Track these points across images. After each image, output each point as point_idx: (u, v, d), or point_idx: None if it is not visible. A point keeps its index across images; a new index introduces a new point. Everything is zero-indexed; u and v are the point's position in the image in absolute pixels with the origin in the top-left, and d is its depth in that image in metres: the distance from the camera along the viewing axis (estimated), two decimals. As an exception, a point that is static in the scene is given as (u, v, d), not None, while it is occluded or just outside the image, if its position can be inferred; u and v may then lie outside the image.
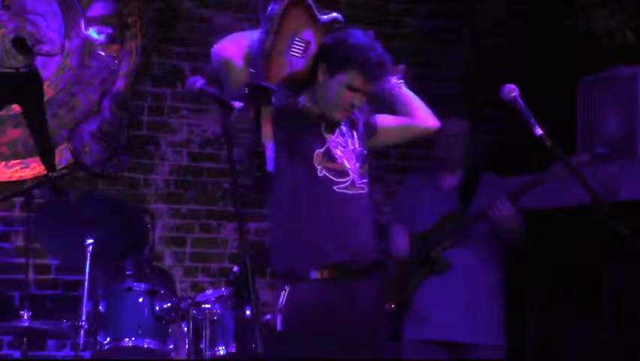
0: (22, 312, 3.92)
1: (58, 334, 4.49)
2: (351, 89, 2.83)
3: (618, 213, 2.66)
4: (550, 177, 3.82)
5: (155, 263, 4.78)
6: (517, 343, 4.84)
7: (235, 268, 3.92)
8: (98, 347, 3.95)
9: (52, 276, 4.89)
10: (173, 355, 3.93)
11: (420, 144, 5.46)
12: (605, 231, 2.68)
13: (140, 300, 3.96)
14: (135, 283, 4.03)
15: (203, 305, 3.84)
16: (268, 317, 3.42)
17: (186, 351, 3.85)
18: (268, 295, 5.15)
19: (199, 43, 5.20)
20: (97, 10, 5.05)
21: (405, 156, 5.56)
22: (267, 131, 2.75)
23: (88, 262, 3.92)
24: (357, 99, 2.86)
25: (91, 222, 3.94)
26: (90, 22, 5.04)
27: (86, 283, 3.89)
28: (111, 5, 5.06)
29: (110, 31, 5.06)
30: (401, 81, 3.13)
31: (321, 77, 2.85)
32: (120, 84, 5.06)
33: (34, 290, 4.80)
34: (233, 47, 2.80)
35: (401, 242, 4.13)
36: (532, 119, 2.77)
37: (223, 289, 3.95)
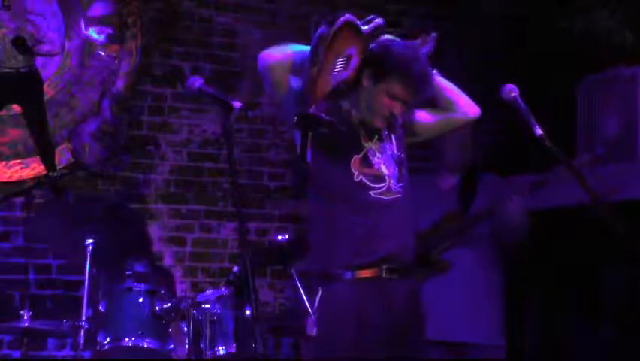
0: (22, 312, 3.92)
1: (58, 334, 4.50)
2: (392, 97, 2.87)
3: (618, 213, 2.66)
4: (553, 178, 3.82)
5: (155, 263, 4.78)
6: (517, 343, 4.84)
7: (235, 268, 3.92)
8: (98, 347, 3.95)
9: (52, 276, 4.89)
10: (173, 355, 3.93)
11: (420, 144, 5.47)
12: (605, 231, 2.68)
13: (140, 300, 3.96)
14: (135, 283, 4.03)
15: (203, 305, 3.84)
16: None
17: (186, 351, 3.85)
18: (268, 295, 5.16)
19: (199, 43, 5.20)
20: (97, 10, 5.05)
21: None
22: (310, 149, 2.77)
23: (88, 262, 3.92)
24: (397, 108, 2.89)
25: (91, 222, 3.94)
26: (90, 22, 5.04)
27: (86, 283, 3.89)
28: (111, 5, 5.06)
29: (110, 31, 5.06)
30: (435, 71, 3.09)
31: (365, 83, 2.89)
32: (120, 84, 5.06)
33: (34, 290, 4.80)
34: (279, 57, 2.83)
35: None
36: (532, 119, 2.77)
37: (223, 289, 3.94)
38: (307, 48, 2.77)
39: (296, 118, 2.67)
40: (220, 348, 3.82)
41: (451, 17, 5.70)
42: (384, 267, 2.85)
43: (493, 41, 5.58)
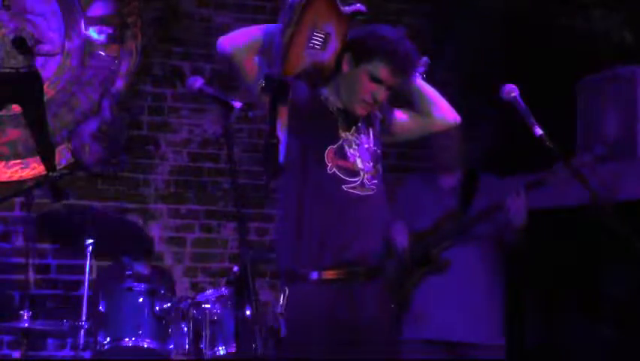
0: (22, 312, 3.92)
1: (58, 334, 4.50)
2: (375, 80, 2.77)
3: (618, 213, 2.66)
4: (553, 177, 3.82)
5: (155, 263, 4.78)
6: (517, 343, 4.84)
7: (235, 268, 3.92)
8: (98, 347, 3.95)
9: (52, 276, 4.89)
10: (173, 355, 3.94)
11: (420, 144, 5.48)
12: (605, 231, 2.68)
13: (140, 300, 3.96)
14: (135, 283, 4.03)
15: (203, 305, 3.84)
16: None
17: (186, 351, 3.85)
18: (268, 295, 5.16)
19: (199, 43, 5.20)
20: (97, 10, 5.05)
21: (405, 156, 5.57)
22: (284, 122, 2.66)
23: (88, 262, 3.92)
24: (380, 92, 2.79)
25: (90, 223, 3.94)
26: (90, 22, 5.04)
27: (86, 283, 3.89)
28: (111, 5, 5.07)
29: (110, 31, 5.07)
30: (419, 74, 3.03)
31: (345, 67, 2.78)
32: (120, 84, 5.07)
33: (34, 290, 4.80)
34: (241, 38, 2.68)
35: (402, 239, 4.13)
36: (532, 119, 2.77)
37: (223, 289, 3.95)
38: (276, 26, 2.66)
39: (263, 81, 2.55)
40: (220, 348, 3.83)
41: (451, 16, 5.70)
42: (350, 268, 2.75)
43: (492, 41, 5.58)
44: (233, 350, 3.81)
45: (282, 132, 2.64)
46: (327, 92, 2.85)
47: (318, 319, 2.70)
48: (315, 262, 2.73)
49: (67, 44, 5.00)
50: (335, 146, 2.78)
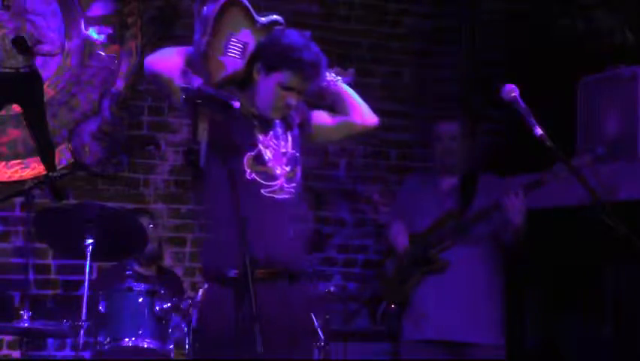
0: (22, 312, 3.92)
1: (58, 334, 4.49)
2: (286, 88, 2.85)
3: (618, 213, 2.66)
4: (553, 177, 3.82)
5: (161, 265, 4.77)
6: (517, 343, 4.84)
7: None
8: (98, 347, 3.95)
9: (52, 276, 4.89)
10: (173, 355, 3.94)
11: (420, 144, 5.49)
12: (605, 231, 2.68)
13: (140, 300, 3.96)
14: (135, 283, 4.03)
15: (203, 305, 3.84)
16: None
17: (186, 351, 3.85)
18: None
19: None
20: (97, 10, 5.05)
21: (405, 156, 5.57)
22: (204, 130, 2.73)
23: (88, 262, 3.92)
24: (293, 98, 2.87)
25: (90, 222, 3.94)
26: (90, 22, 5.04)
27: (86, 283, 3.89)
28: (111, 5, 5.07)
29: (110, 31, 5.07)
30: (338, 78, 3.10)
31: (256, 76, 2.88)
32: (120, 84, 5.07)
33: (34, 290, 4.80)
34: (164, 60, 2.83)
35: (402, 238, 4.14)
36: (532, 119, 2.77)
37: (223, 289, 3.94)
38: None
39: (184, 93, 2.63)
40: (220, 348, 3.82)
41: (451, 16, 5.70)
42: (268, 269, 2.83)
43: (493, 40, 5.59)
44: (233, 350, 3.80)
45: (202, 139, 2.71)
46: (240, 99, 2.91)
47: (229, 314, 2.78)
48: (232, 261, 2.78)
49: (67, 44, 5.00)
50: (253, 153, 2.88)
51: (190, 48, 2.83)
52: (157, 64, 2.82)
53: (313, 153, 5.36)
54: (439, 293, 4.05)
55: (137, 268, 4.51)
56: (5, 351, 4.80)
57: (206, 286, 2.88)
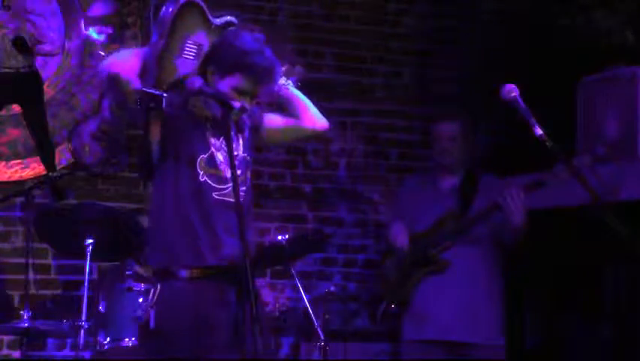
0: (22, 312, 3.92)
1: (58, 334, 4.50)
2: (240, 92, 2.87)
3: (618, 213, 2.66)
4: (553, 177, 3.82)
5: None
6: (517, 343, 4.84)
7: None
8: (97, 347, 3.95)
9: (52, 276, 4.89)
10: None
11: (420, 144, 5.49)
12: (605, 231, 2.68)
13: (140, 300, 3.96)
14: (135, 283, 4.03)
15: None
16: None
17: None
18: (268, 295, 5.16)
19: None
20: (97, 10, 5.05)
21: (405, 156, 5.57)
22: (156, 132, 2.84)
23: (88, 262, 3.92)
24: (246, 102, 2.89)
25: (90, 222, 3.95)
26: (90, 22, 5.04)
27: (86, 283, 3.89)
28: (111, 5, 5.07)
29: (110, 31, 5.06)
30: (289, 82, 3.13)
31: (210, 79, 2.89)
32: (120, 84, 5.06)
33: (34, 290, 4.80)
34: (122, 63, 2.81)
35: (402, 238, 4.14)
36: (532, 119, 2.77)
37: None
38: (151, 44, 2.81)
39: (138, 98, 2.69)
40: (220, 348, 3.82)
41: (451, 16, 5.70)
42: (216, 269, 2.86)
43: (493, 40, 5.59)
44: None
45: (155, 140, 2.83)
46: (193, 101, 2.93)
47: (184, 313, 2.81)
48: (184, 262, 2.84)
49: (67, 44, 5.00)
50: (206, 155, 2.89)
51: (146, 49, 2.83)
52: (115, 66, 2.80)
53: (314, 153, 5.38)
54: (439, 293, 4.05)
55: (137, 268, 4.51)
56: (5, 351, 4.80)
57: (159, 286, 2.86)
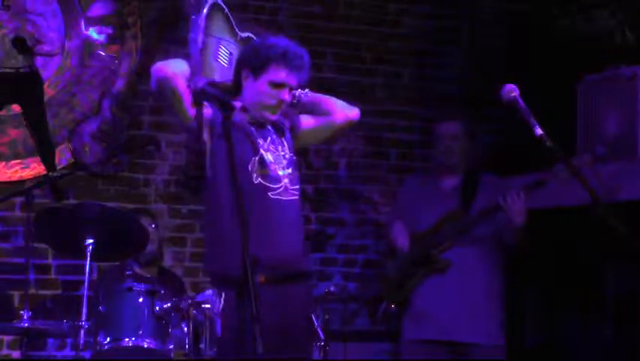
0: (22, 312, 3.92)
1: (58, 334, 4.50)
2: (278, 85, 2.95)
3: (618, 213, 2.66)
4: (553, 177, 3.82)
5: (162, 266, 4.77)
6: (517, 343, 4.84)
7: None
8: (98, 347, 3.95)
9: (52, 276, 4.89)
10: (173, 355, 3.94)
11: (420, 144, 5.49)
12: (605, 231, 2.68)
13: (140, 300, 3.97)
14: (135, 283, 4.03)
15: (203, 305, 3.84)
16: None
17: (186, 351, 3.85)
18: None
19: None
20: (97, 10, 5.05)
21: (405, 156, 5.57)
22: (206, 137, 2.91)
23: (88, 262, 3.92)
24: (284, 94, 2.97)
25: (90, 222, 3.94)
26: (90, 22, 5.04)
27: (86, 283, 3.89)
28: (111, 5, 5.06)
29: (110, 31, 5.06)
30: (306, 90, 3.16)
31: (245, 83, 2.98)
32: (120, 84, 5.06)
33: (34, 290, 4.80)
34: (174, 64, 2.90)
35: (402, 238, 4.14)
36: (532, 119, 2.77)
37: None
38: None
39: (193, 93, 2.74)
40: (220, 348, 3.82)
41: (451, 16, 5.70)
42: (279, 270, 2.90)
43: (493, 40, 5.59)
44: (233, 350, 3.80)
45: (205, 144, 2.90)
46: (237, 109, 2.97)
47: (249, 321, 2.77)
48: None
49: (67, 44, 5.00)
50: (257, 157, 2.97)
51: (190, 51, 2.91)
52: (169, 66, 2.89)
53: (316, 153, 5.38)
54: (439, 293, 4.05)
55: (137, 269, 4.51)
56: (5, 351, 4.80)
57: (224, 294, 2.92)
